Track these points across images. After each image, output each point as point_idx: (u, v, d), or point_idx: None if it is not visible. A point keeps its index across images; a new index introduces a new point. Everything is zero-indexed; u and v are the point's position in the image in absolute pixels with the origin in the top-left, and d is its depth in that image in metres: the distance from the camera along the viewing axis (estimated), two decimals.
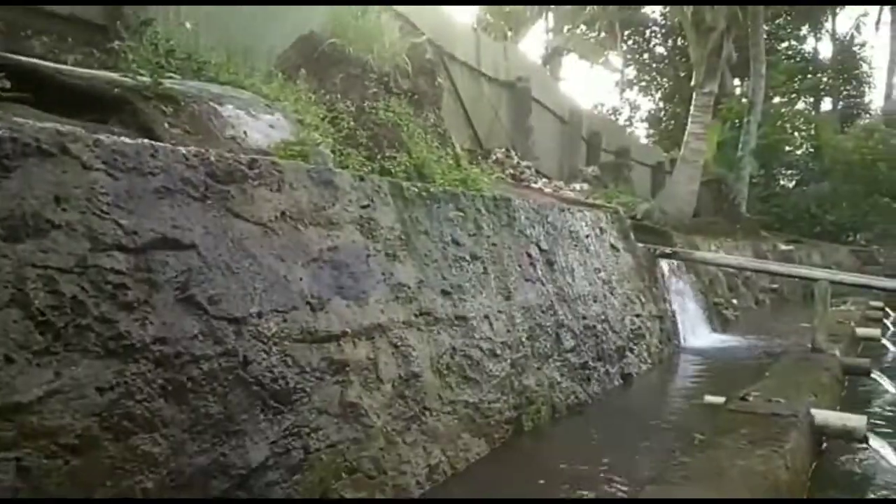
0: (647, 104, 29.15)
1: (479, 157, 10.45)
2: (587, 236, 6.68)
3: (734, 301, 10.95)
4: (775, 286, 13.94)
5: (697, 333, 8.53)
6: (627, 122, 28.12)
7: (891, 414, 6.21)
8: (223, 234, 2.78)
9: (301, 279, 3.07)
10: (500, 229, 5.06)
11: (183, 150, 2.79)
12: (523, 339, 4.67)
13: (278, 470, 2.69)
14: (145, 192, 2.54)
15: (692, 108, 14.81)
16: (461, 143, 9.38)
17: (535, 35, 29.96)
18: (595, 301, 6.08)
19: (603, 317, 6.04)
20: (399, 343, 3.54)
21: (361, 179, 3.80)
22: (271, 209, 3.06)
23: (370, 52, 5.84)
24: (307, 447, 2.83)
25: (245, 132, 3.92)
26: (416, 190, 4.28)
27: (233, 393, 2.60)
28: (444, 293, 4.06)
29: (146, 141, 2.70)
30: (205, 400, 2.49)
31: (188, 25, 5.01)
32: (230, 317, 2.66)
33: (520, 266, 5.12)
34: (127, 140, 2.61)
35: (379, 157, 5.27)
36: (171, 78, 3.92)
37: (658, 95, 28.33)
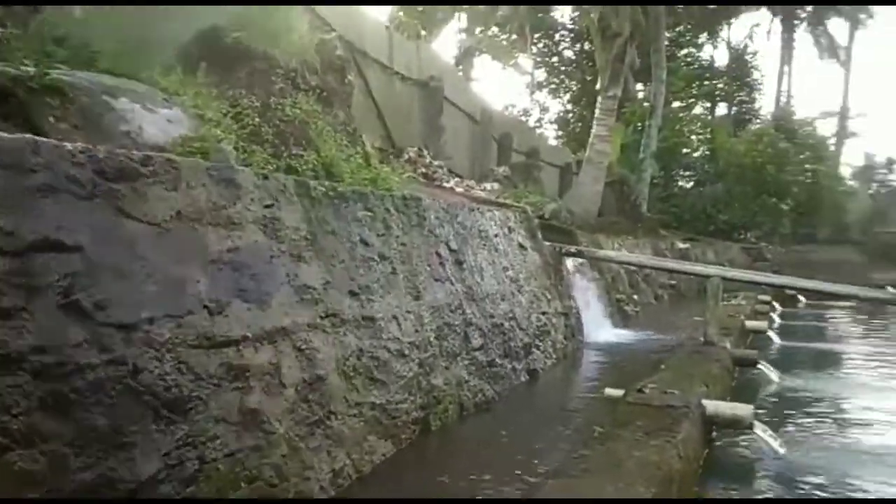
0: (556, 106, 29.98)
1: (391, 156, 10.42)
2: (496, 236, 6.79)
3: (635, 297, 11.44)
4: (673, 282, 14.66)
5: (600, 329, 8.86)
6: (537, 124, 28.81)
7: (774, 402, 6.66)
8: (112, 235, 2.64)
9: (198, 282, 2.96)
10: (410, 229, 5.06)
11: (69, 145, 2.63)
12: (432, 339, 4.69)
13: (171, 483, 2.58)
14: (26, 190, 2.38)
15: (597, 111, 15.35)
16: (372, 141, 9.32)
17: (448, 35, 30.24)
18: (503, 299, 6.19)
19: (510, 315, 6.17)
20: (303, 346, 3.47)
21: (265, 178, 3.70)
22: (166, 209, 2.93)
23: (277, 47, 5.69)
24: (203, 457, 2.73)
25: (140, 127, 3.73)
26: (324, 189, 4.21)
27: (121, 403, 2.47)
28: (352, 294, 4.02)
29: (28, 136, 2.53)
30: (89, 412, 2.36)
31: (78, 13, 4.72)
32: (119, 323, 2.53)
33: (429, 266, 5.14)
34: (4, 135, 2.44)
35: (285, 154, 5.15)
36: (58, 68, 3.68)
37: (566, 98, 29.17)
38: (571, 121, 28.52)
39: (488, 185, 12.85)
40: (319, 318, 3.67)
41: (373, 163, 6.54)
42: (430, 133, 13.38)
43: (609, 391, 5.22)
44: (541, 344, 6.65)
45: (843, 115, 30.97)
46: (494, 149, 16.79)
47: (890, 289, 20.95)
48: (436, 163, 12.02)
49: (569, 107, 29.13)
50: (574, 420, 4.95)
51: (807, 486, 4.29)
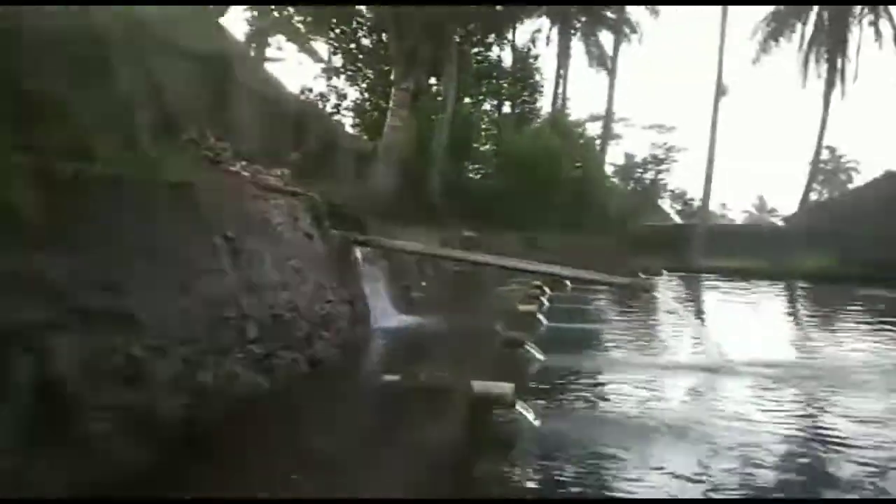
0: (353, 93, 29.92)
1: (171, 137, 9.70)
2: (280, 224, 6.65)
3: (423, 284, 11.89)
4: (458, 269, 15.45)
5: (388, 316, 9.08)
6: (334, 110, 28.55)
7: (536, 379, 7.34)
8: None
9: None
10: (179, 217, 4.77)
11: None
12: (201, 334, 4.48)
13: None
14: None
15: (391, 102, 15.66)
16: (150, 119, 8.59)
17: (241, 12, 28.69)
18: (285, 289, 6.09)
19: (292, 305, 6.09)
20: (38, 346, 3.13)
21: None
22: None
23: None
24: None
25: None
26: (74, 171, 3.82)
27: None
28: (104, 288, 3.70)
29: None
30: None
31: None
32: None
33: (201, 257, 4.90)
34: None
35: (30, 131, 4.57)
36: None
37: (364, 86, 29.25)
38: (368, 109, 28.68)
39: (279, 171, 12.49)
40: (66, 315, 3.33)
41: (145, 143, 6.04)
42: (217, 113, 12.64)
43: (387, 377, 5.40)
44: (325, 333, 6.66)
45: (609, 118, 34.69)
46: (288, 133, 16.35)
47: (642, 275, 23.96)
48: (221, 145, 11.41)
49: (366, 95, 29.24)
50: (352, 410, 5.03)
51: (558, 451, 4.81)
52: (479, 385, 5.20)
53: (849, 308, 17.85)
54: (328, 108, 27.77)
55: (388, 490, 3.36)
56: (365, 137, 23.80)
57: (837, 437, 5.41)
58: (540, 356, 7.92)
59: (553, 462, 4.58)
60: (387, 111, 16.81)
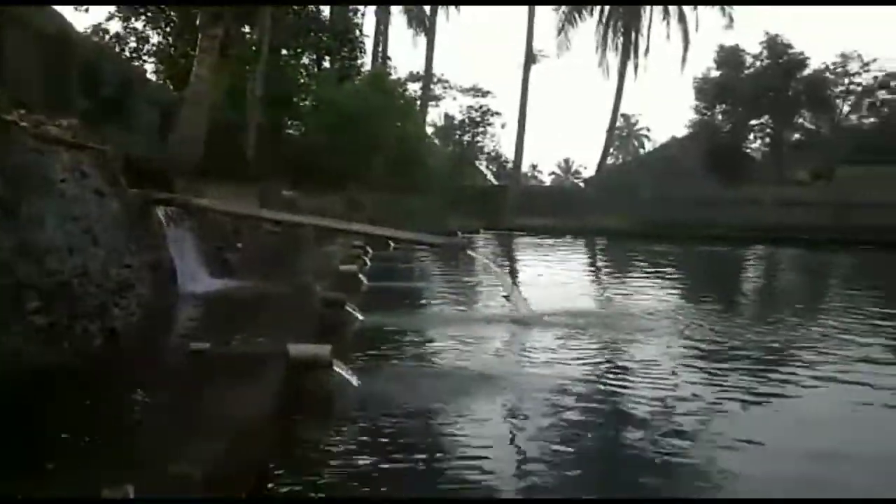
0: (157, 38, 27.23)
1: None
2: (63, 181, 5.89)
3: (238, 245, 11.31)
4: (277, 230, 14.92)
5: (198, 280, 8.53)
6: (134, 54, 25.84)
7: (356, 339, 7.33)
8: None
9: None
10: None
11: None
12: None
13: None
14: None
15: (198, 49, 14.45)
16: None
17: None
18: (72, 254, 5.44)
19: (81, 270, 5.46)
20: None
21: None
22: None
23: None
24: None
25: None
26: None
27: None
28: None
29: None
30: None
31: None
32: None
33: None
34: None
35: None
36: None
37: (168, 30, 26.74)
38: (175, 56, 26.33)
39: (65, 122, 11.08)
40: None
41: None
42: None
43: (194, 345, 5.05)
44: (122, 301, 6.06)
45: (428, 79, 35.13)
46: (78, 80, 14.52)
47: (460, 234, 24.81)
48: None
49: (171, 40, 26.78)
50: (150, 380, 4.64)
51: (377, 409, 4.84)
52: (294, 348, 5.04)
53: (635, 262, 20.02)
54: (126, 52, 25.16)
55: (194, 461, 3.12)
56: (171, 87, 21.87)
57: (626, 378, 6.04)
58: (360, 316, 7.91)
59: (372, 421, 4.59)
60: (194, 59, 15.49)
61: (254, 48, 21.16)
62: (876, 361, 6.91)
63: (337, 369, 5.13)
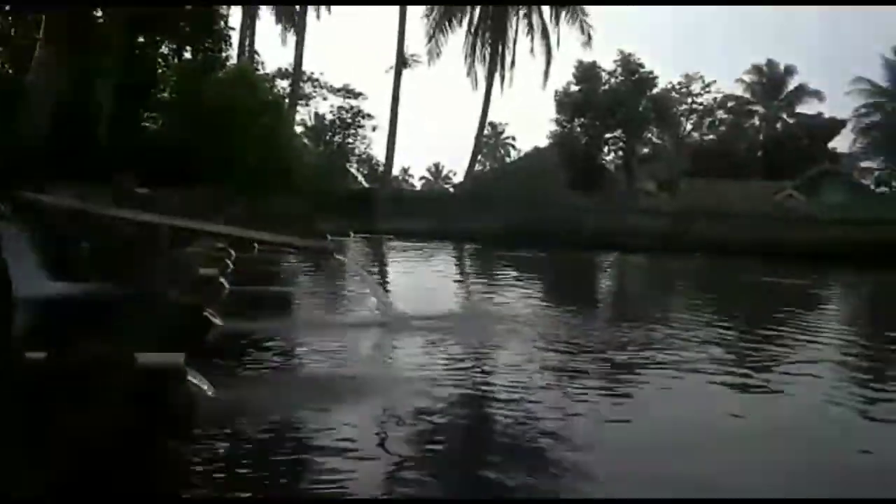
0: None
1: None
2: None
3: (84, 246, 10.47)
4: (134, 229, 13.96)
5: (36, 284, 7.81)
6: None
7: (214, 347, 7.03)
8: None
9: None
10: None
11: None
12: None
13: None
14: None
15: (41, 32, 13.28)
16: None
17: None
18: None
19: None
20: None
21: None
22: None
23: None
24: None
25: None
26: None
27: None
28: None
29: None
30: None
31: None
32: None
33: None
34: None
35: None
36: None
37: (8, 9, 24.22)
38: (13, 37, 23.91)
39: None
40: None
41: None
42: None
43: (29, 355, 4.62)
44: None
45: (297, 76, 34.40)
46: None
47: (329, 237, 24.53)
48: None
49: (10, 20, 24.31)
50: None
51: (235, 420, 4.68)
52: (144, 357, 4.75)
53: (496, 267, 20.84)
54: None
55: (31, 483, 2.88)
56: (10, 72, 19.86)
57: (488, 380, 6.27)
58: (220, 322, 7.59)
59: (228, 433, 4.44)
60: (37, 42, 14.19)
61: (106, 32, 19.71)
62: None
63: (192, 380, 4.90)
